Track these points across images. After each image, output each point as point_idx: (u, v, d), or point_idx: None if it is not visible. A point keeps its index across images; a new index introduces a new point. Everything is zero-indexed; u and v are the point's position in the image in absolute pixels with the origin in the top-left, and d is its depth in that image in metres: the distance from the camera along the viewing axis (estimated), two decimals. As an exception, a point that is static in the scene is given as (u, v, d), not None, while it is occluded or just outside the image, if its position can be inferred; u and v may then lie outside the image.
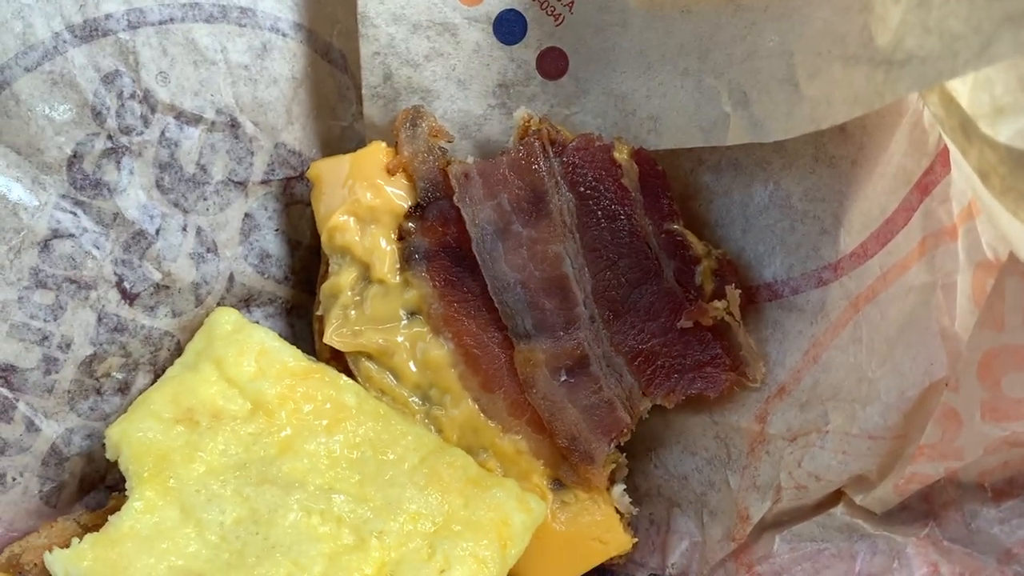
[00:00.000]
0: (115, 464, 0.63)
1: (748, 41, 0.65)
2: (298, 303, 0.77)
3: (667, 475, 0.76)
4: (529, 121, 0.71)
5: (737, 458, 0.72)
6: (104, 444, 0.65)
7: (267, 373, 0.65)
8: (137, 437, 0.61)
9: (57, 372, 0.66)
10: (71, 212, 0.65)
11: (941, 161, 0.62)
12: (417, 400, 0.71)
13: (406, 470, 0.65)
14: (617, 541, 0.73)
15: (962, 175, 0.62)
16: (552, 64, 0.73)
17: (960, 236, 0.62)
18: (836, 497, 0.70)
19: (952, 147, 0.61)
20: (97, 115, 0.64)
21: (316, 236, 0.72)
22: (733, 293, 0.70)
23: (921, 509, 0.67)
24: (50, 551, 0.57)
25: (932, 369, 0.63)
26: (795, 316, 0.70)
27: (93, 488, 0.70)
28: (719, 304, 0.70)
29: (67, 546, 0.58)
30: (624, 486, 0.74)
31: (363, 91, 0.72)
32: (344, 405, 0.66)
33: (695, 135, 0.69)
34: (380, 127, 0.73)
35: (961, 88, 0.57)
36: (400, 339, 0.71)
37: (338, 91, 0.74)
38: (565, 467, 0.72)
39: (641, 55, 0.70)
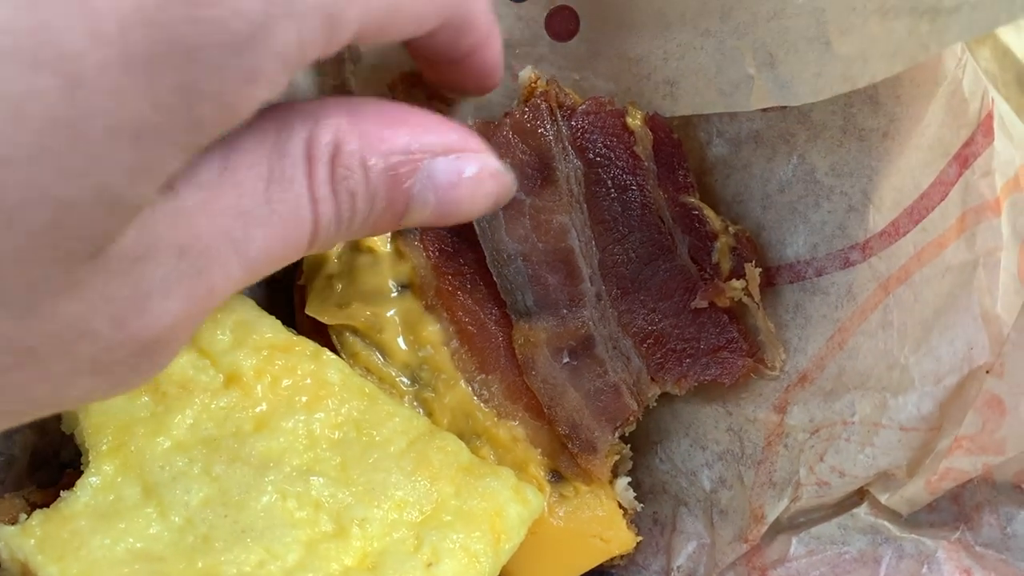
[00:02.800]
0: (70, 438, 0.58)
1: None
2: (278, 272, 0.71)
3: (674, 470, 0.71)
4: (536, 82, 0.66)
5: (752, 452, 0.67)
6: (57, 418, 0.59)
7: (243, 344, 0.60)
8: (97, 407, 0.56)
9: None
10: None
11: (983, 130, 0.59)
12: (406, 380, 0.66)
13: (392, 454, 0.60)
14: (619, 539, 0.68)
15: (1008, 144, 0.59)
16: (562, 24, 0.68)
17: (1004, 210, 0.59)
18: (859, 496, 0.65)
19: (1004, 107, 0.58)
20: None
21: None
22: (752, 272, 0.65)
23: (951, 511, 0.63)
24: (-6, 527, 0.52)
25: (972, 354, 0.59)
26: (819, 299, 0.65)
27: (45, 464, 0.64)
28: (736, 284, 0.65)
29: (14, 523, 0.52)
30: (628, 479, 0.69)
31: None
32: (326, 381, 0.60)
33: (715, 100, 0.64)
34: (375, 88, 0.68)
35: (1016, 40, 0.54)
36: (389, 313, 0.66)
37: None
38: (565, 458, 0.66)
39: (659, 15, 0.65)
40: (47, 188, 0.30)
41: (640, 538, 0.69)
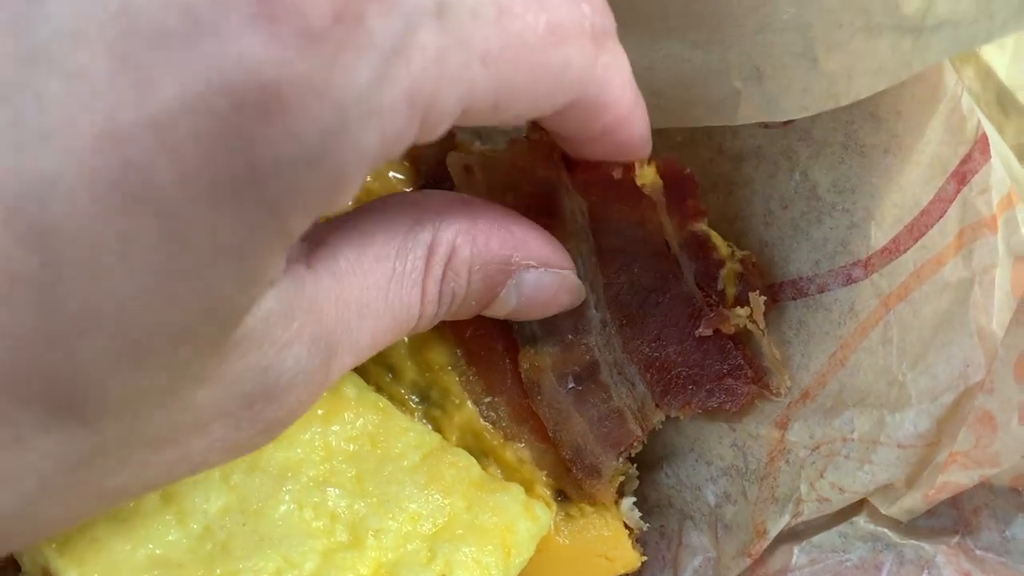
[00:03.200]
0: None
1: (761, 13, 0.61)
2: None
3: (679, 485, 0.72)
4: None
5: (755, 468, 0.68)
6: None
7: (260, 357, 0.60)
8: (116, 418, 0.56)
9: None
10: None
11: (980, 147, 0.59)
12: (415, 399, 0.67)
13: (406, 468, 0.60)
14: (624, 559, 0.69)
15: (1001, 160, 0.60)
16: None
17: (1000, 227, 0.59)
18: (859, 505, 0.66)
19: (988, 125, 0.59)
20: None
21: (316, 222, 0.68)
22: (757, 300, 0.66)
23: (950, 516, 0.64)
24: (15, 533, 0.52)
25: (968, 372, 0.59)
26: (821, 316, 0.66)
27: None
28: (741, 311, 0.66)
29: None
30: (634, 499, 0.69)
31: None
32: (342, 395, 0.61)
33: (702, 113, 0.65)
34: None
35: (999, 59, 0.55)
36: (398, 334, 0.67)
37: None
38: (570, 479, 0.67)
39: (647, 24, 0.66)
40: (159, 320, 0.31)
41: (645, 557, 0.70)
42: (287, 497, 0.56)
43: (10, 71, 0.28)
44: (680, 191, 0.67)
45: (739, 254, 0.67)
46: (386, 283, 0.44)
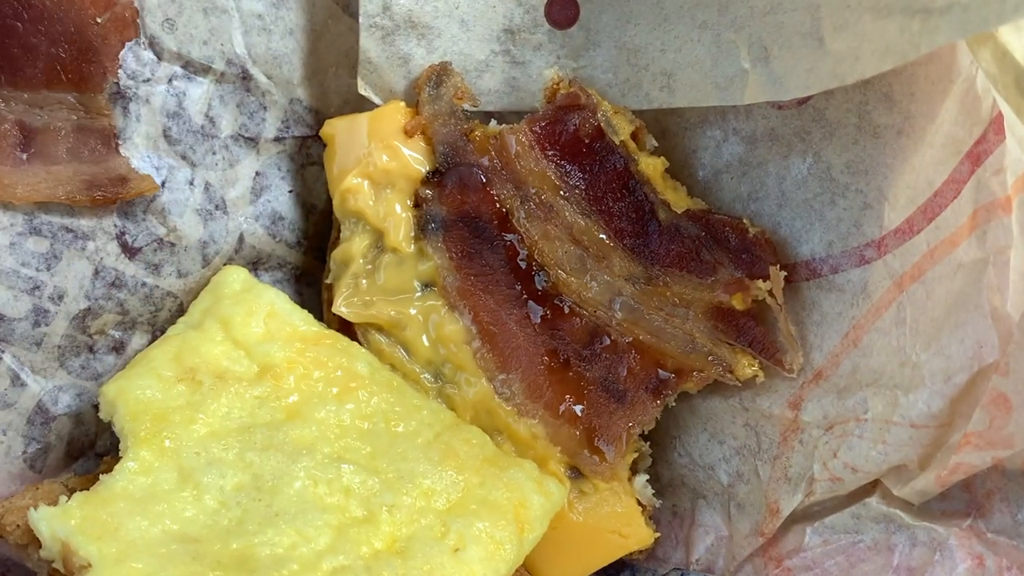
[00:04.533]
0: (105, 428, 0.60)
1: None
2: (308, 269, 0.73)
3: (692, 464, 0.72)
4: (559, 83, 0.67)
5: (768, 447, 0.68)
6: (94, 406, 0.61)
7: (276, 336, 0.61)
8: (135, 395, 0.57)
9: (47, 325, 0.62)
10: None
11: (995, 128, 0.59)
12: (429, 377, 0.68)
13: (420, 444, 0.61)
14: (638, 535, 0.69)
15: (1017, 141, 0.59)
16: (562, 11, 0.69)
17: (1015, 208, 0.59)
18: (871, 486, 0.66)
19: (1005, 108, 0.59)
20: None
21: (331, 200, 0.69)
22: (777, 275, 0.66)
23: (963, 499, 0.64)
24: (35, 508, 0.53)
25: (981, 352, 0.60)
26: (835, 296, 0.66)
27: (82, 455, 0.66)
28: (762, 284, 0.66)
29: (54, 505, 0.54)
30: (647, 477, 0.70)
31: (360, 20, 0.67)
32: (356, 374, 0.62)
33: (710, 93, 0.65)
34: (375, 63, 0.68)
35: (1016, 41, 0.55)
36: (413, 312, 0.68)
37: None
38: (583, 455, 0.68)
39: (657, 6, 0.66)
40: None
41: (658, 534, 0.70)
42: (301, 474, 0.57)
43: None
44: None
45: (752, 229, 0.67)
46: None
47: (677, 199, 0.69)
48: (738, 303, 0.66)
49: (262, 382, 0.60)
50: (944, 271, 0.61)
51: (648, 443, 0.70)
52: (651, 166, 0.68)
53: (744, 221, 0.68)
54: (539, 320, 0.68)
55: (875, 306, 0.64)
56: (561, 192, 0.67)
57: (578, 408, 0.68)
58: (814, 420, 0.66)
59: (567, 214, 0.67)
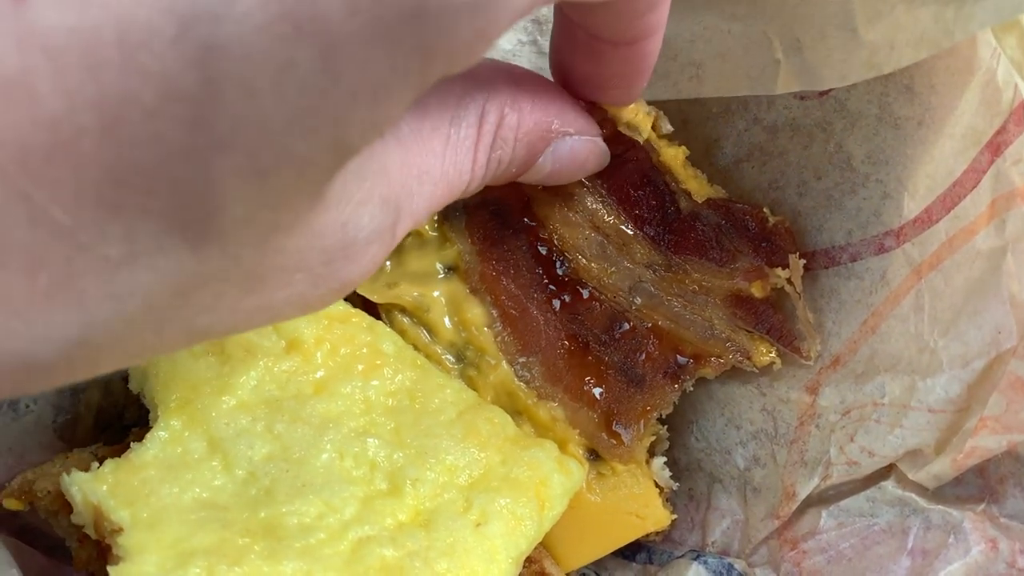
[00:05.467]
0: (133, 400, 0.60)
1: None
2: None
3: (709, 448, 0.73)
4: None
5: (785, 432, 0.69)
6: (123, 378, 0.62)
7: (304, 312, 0.62)
8: (165, 366, 0.58)
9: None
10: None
11: (1015, 119, 0.60)
12: (451, 359, 0.69)
13: (443, 422, 0.62)
14: (655, 517, 0.70)
15: (1038, 132, 0.60)
16: None
17: None
18: (886, 470, 0.67)
19: None
20: None
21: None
22: (796, 263, 0.67)
23: (976, 484, 0.64)
24: (68, 474, 0.54)
25: (999, 339, 0.60)
26: (853, 284, 0.67)
27: (109, 426, 0.67)
28: (781, 272, 0.67)
29: (86, 471, 0.55)
30: (664, 459, 0.71)
31: None
32: (381, 352, 0.63)
33: (741, 83, 0.66)
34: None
35: None
36: (436, 294, 0.68)
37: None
38: (601, 438, 0.68)
39: None
40: (292, 148, 0.32)
41: (675, 516, 0.71)
42: (328, 446, 0.58)
43: None
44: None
45: (772, 219, 0.68)
46: (442, 150, 0.47)
47: (698, 187, 0.69)
48: (757, 291, 0.67)
49: (290, 357, 0.61)
50: (962, 259, 0.62)
51: (666, 427, 0.71)
52: (672, 155, 0.69)
53: (764, 210, 0.68)
54: (559, 305, 0.69)
55: (893, 293, 0.65)
56: (583, 180, 0.68)
57: (597, 392, 0.68)
58: (831, 405, 0.67)
59: (588, 202, 0.68)
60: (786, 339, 0.68)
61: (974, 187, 0.61)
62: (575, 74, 0.57)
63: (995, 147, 0.60)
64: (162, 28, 0.28)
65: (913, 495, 0.65)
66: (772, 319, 0.68)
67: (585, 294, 0.68)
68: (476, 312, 0.68)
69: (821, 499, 0.68)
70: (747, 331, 0.68)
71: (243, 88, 0.30)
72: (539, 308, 0.68)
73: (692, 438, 0.74)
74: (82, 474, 0.54)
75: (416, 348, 0.67)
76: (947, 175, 0.62)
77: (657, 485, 0.70)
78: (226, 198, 0.32)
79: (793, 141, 0.69)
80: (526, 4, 0.34)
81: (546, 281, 0.69)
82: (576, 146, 0.57)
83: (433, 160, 0.46)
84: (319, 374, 0.61)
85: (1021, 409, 0.59)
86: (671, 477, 0.71)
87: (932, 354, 0.63)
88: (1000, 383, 0.59)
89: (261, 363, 0.60)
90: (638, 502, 0.69)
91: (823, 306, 0.68)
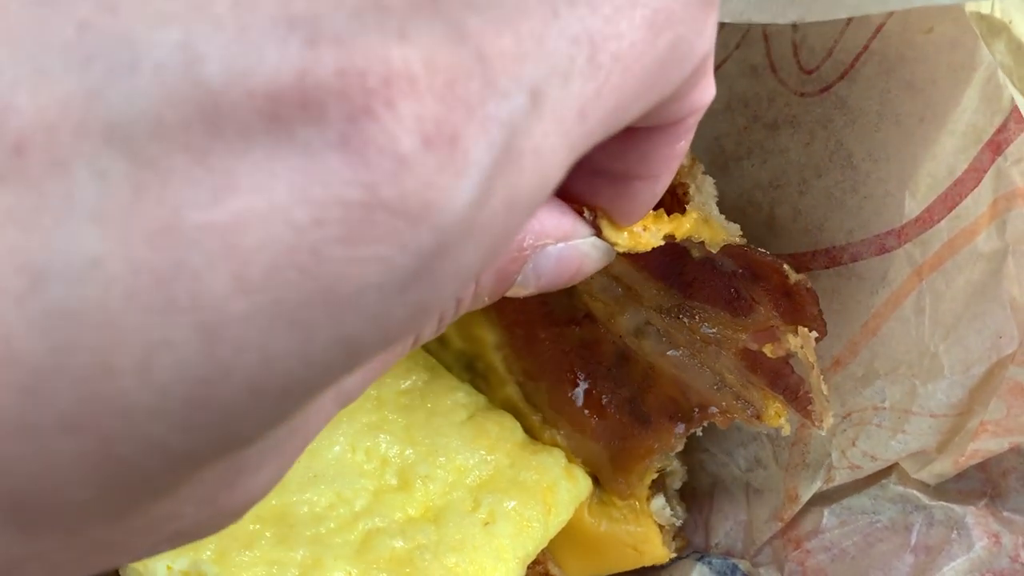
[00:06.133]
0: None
1: None
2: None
3: (712, 450, 0.73)
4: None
5: (786, 434, 0.68)
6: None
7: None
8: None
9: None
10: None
11: (1016, 117, 0.60)
12: (461, 370, 0.68)
13: (454, 423, 0.63)
14: (652, 554, 0.70)
15: (1035, 134, 0.60)
16: None
17: None
18: (888, 468, 0.67)
19: (1020, 100, 0.60)
20: None
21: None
22: (807, 335, 0.62)
23: (979, 479, 0.64)
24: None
25: (1000, 343, 0.60)
26: (854, 284, 0.67)
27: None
28: (795, 339, 0.62)
29: None
30: (663, 501, 0.70)
31: None
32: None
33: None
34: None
35: None
36: (449, 312, 0.68)
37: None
38: (604, 472, 0.68)
39: None
40: (160, 439, 0.27)
41: (674, 554, 0.71)
42: (341, 439, 0.58)
43: (78, 139, 0.25)
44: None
45: (794, 278, 0.62)
46: None
47: (712, 234, 0.66)
48: (768, 352, 0.64)
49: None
50: (963, 261, 0.62)
51: (679, 463, 0.71)
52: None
53: (784, 267, 0.63)
54: (568, 335, 0.68)
55: (895, 295, 0.65)
56: None
57: (601, 425, 0.68)
58: (831, 408, 0.66)
59: None
60: (801, 403, 0.64)
61: (975, 186, 0.61)
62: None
63: (996, 145, 0.61)
64: (10, 284, 0.24)
65: (915, 492, 0.65)
66: (789, 379, 0.64)
67: (595, 327, 0.68)
68: (484, 333, 0.68)
69: (823, 498, 0.68)
70: (759, 388, 0.65)
71: (96, 365, 0.25)
72: (547, 334, 0.68)
73: (694, 438, 0.73)
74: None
75: (428, 352, 0.67)
76: (948, 174, 0.62)
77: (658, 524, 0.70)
78: (68, 482, 0.27)
79: (794, 139, 0.69)
80: (476, 270, 0.28)
81: (556, 312, 0.68)
82: (564, 255, 0.47)
83: None
84: (334, 370, 0.60)
85: (1022, 413, 0.59)
86: (672, 515, 0.70)
87: (933, 358, 0.63)
88: (1000, 388, 0.59)
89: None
90: (636, 538, 0.69)
91: (824, 307, 0.67)
